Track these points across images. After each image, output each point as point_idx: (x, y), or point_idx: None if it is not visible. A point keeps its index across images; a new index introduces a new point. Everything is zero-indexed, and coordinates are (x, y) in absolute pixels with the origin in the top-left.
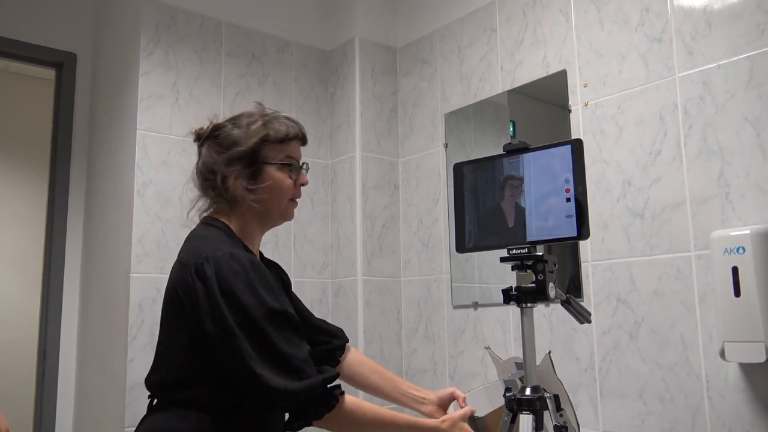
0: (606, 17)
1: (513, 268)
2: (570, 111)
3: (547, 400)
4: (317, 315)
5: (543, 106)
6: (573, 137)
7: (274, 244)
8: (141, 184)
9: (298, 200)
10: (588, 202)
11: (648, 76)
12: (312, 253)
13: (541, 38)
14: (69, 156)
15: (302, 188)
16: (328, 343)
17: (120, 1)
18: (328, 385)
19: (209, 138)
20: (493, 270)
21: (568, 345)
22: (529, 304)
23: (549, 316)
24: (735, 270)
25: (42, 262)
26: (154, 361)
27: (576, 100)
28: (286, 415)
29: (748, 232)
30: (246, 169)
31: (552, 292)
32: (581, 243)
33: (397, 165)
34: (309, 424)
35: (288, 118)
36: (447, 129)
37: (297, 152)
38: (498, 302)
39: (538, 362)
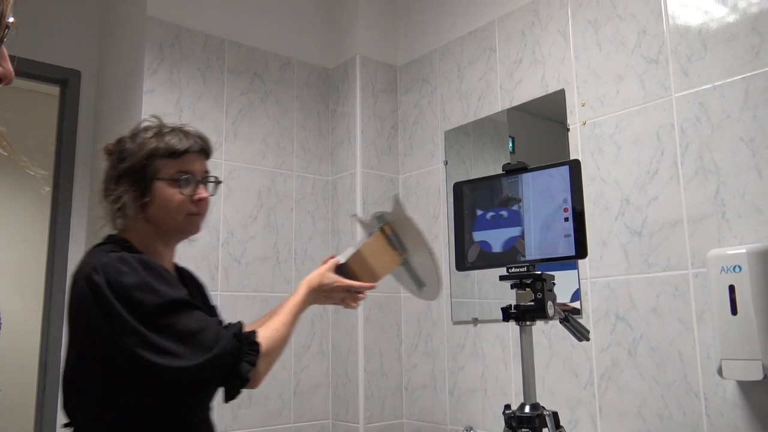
0: (603, 38)
1: (512, 287)
2: (568, 130)
3: (546, 418)
4: (317, 330)
5: (542, 123)
6: (571, 156)
7: (275, 259)
8: None
9: (203, 214)
10: (586, 220)
11: (645, 97)
12: (313, 268)
13: (540, 58)
14: (72, 171)
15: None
16: None
17: (125, 20)
18: (241, 336)
19: (113, 153)
20: (493, 286)
21: (567, 362)
22: (528, 322)
23: (548, 332)
24: (732, 288)
25: (44, 276)
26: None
27: (574, 119)
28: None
29: (745, 251)
30: (136, 184)
31: (551, 310)
32: (580, 260)
33: (397, 182)
34: (247, 381)
35: (185, 132)
36: (447, 146)
37: (194, 166)
38: (497, 318)
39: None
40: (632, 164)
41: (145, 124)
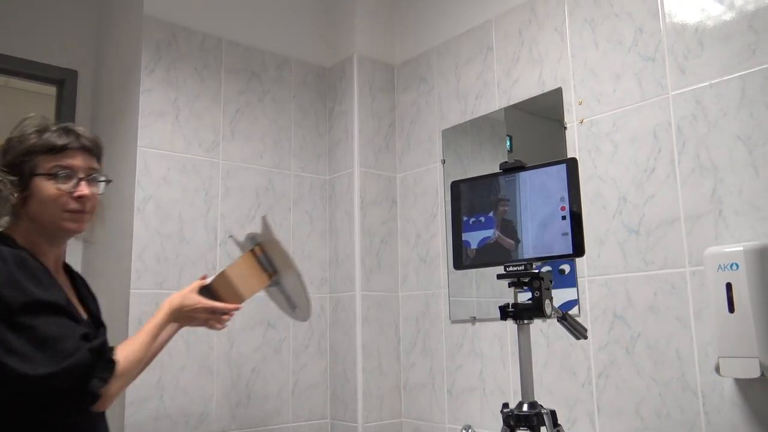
0: (600, 37)
1: (510, 285)
2: (566, 128)
3: (544, 416)
4: (315, 330)
5: (539, 121)
6: (569, 154)
7: None
8: (141, 199)
9: (85, 211)
10: (584, 219)
11: (642, 95)
12: (310, 268)
13: (537, 57)
14: None
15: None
16: None
17: (121, 19)
18: (98, 351)
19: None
20: (491, 285)
21: (564, 360)
22: (526, 321)
23: (546, 331)
24: (729, 286)
25: None
26: None
27: (571, 117)
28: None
29: (741, 249)
30: (15, 178)
31: (548, 309)
32: (577, 259)
33: (395, 181)
34: (95, 399)
35: (67, 130)
36: (444, 145)
37: (74, 162)
38: (495, 317)
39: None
40: (629, 162)
41: (32, 121)
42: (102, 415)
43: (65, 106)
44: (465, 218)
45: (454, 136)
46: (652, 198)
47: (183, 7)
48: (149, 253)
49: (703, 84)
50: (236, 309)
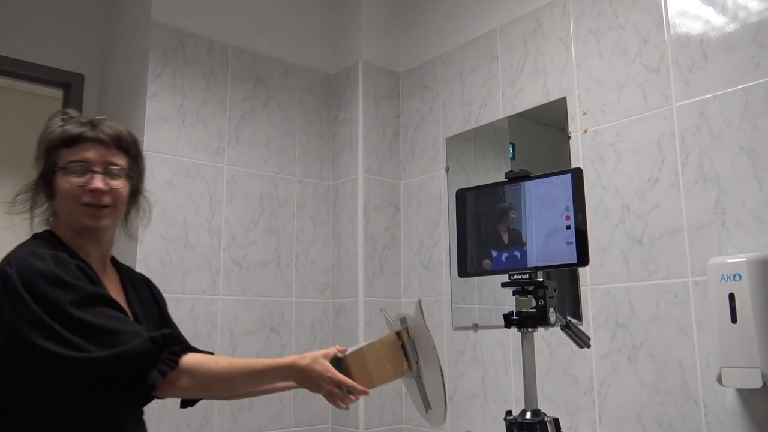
0: (605, 47)
1: (514, 293)
2: (570, 138)
3: (548, 424)
4: (318, 335)
5: (543, 130)
6: (572, 164)
7: (276, 264)
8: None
9: (102, 205)
10: (587, 228)
11: (646, 105)
12: (313, 273)
13: (542, 66)
14: None
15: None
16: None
17: (129, 24)
18: (162, 345)
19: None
20: (493, 292)
21: (567, 368)
22: (530, 329)
23: (548, 339)
24: (732, 297)
25: None
26: None
27: (575, 127)
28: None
29: (744, 259)
30: (42, 176)
31: (553, 317)
32: (580, 268)
33: (398, 187)
34: (151, 390)
35: (88, 121)
36: (448, 152)
37: (88, 154)
38: (498, 324)
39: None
40: (633, 172)
41: (59, 116)
42: (143, 423)
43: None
44: (495, 254)
45: (457, 143)
46: (655, 208)
47: (190, 14)
48: (153, 258)
49: (707, 96)
50: (363, 394)
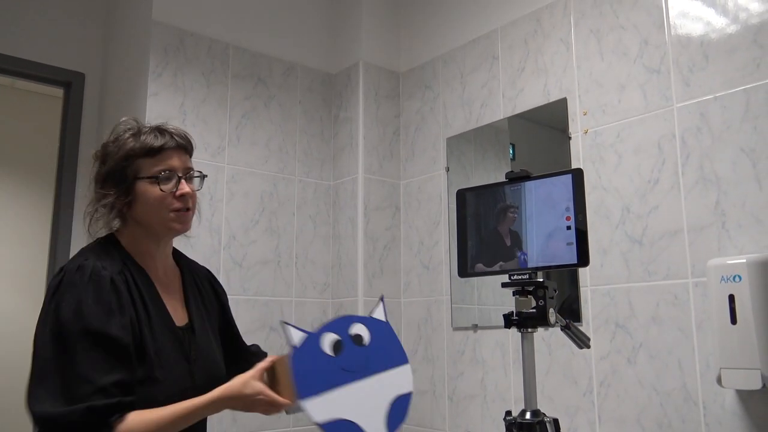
0: (606, 48)
1: (514, 294)
2: (570, 138)
3: (547, 425)
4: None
5: (543, 131)
6: (573, 164)
7: (276, 263)
8: None
9: (190, 209)
10: (588, 229)
11: (646, 106)
12: (313, 273)
13: (542, 67)
14: (75, 174)
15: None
16: (252, 363)
17: (129, 23)
18: (97, 411)
19: (98, 157)
20: (493, 292)
21: (566, 369)
22: (529, 329)
23: (548, 339)
24: (731, 298)
25: (45, 278)
26: None
27: (576, 127)
28: None
29: (744, 260)
30: (120, 185)
31: (552, 318)
32: (580, 268)
33: (398, 187)
34: None
35: (161, 130)
36: (448, 152)
37: (173, 162)
38: (497, 325)
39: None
40: (633, 173)
41: (125, 126)
42: None
43: (72, 109)
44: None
45: (458, 144)
46: (655, 209)
47: (191, 13)
48: None
49: (708, 97)
50: (287, 405)
